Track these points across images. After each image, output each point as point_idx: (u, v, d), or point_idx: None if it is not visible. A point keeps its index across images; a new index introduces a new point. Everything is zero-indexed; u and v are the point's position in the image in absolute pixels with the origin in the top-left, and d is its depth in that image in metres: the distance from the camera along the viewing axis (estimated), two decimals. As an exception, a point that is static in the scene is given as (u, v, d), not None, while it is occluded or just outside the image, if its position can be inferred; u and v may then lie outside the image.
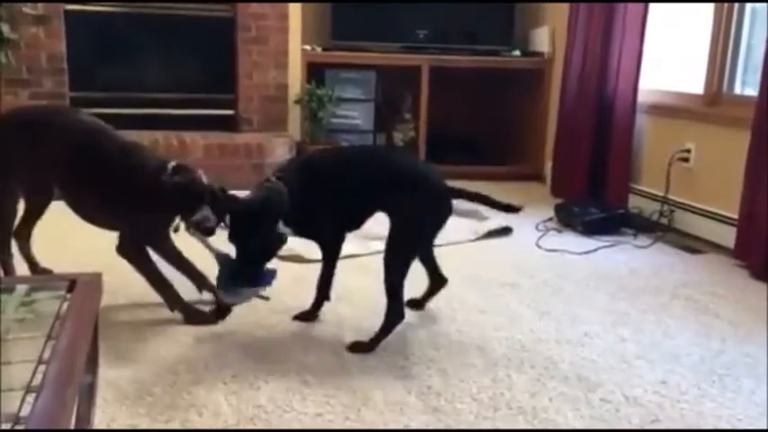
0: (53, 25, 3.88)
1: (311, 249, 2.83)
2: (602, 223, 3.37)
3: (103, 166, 2.15)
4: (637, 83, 3.61)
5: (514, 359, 2.01)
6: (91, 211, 2.24)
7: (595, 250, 3.12)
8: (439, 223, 2.16)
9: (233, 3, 4.14)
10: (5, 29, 3.42)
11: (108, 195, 2.14)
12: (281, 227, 2.07)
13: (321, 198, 2.10)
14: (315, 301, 2.27)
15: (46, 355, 1.01)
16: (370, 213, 2.22)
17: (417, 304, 2.36)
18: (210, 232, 2.03)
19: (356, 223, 2.24)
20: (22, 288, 1.24)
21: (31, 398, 0.92)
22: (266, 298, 2.26)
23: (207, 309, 2.23)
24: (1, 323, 1.10)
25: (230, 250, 2.11)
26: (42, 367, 0.98)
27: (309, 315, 2.25)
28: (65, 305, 1.19)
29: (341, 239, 2.25)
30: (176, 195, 2.04)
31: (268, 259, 2.10)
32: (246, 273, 2.07)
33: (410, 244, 2.10)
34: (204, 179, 2.09)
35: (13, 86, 3.83)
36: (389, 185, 2.09)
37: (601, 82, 3.83)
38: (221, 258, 2.17)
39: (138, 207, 2.11)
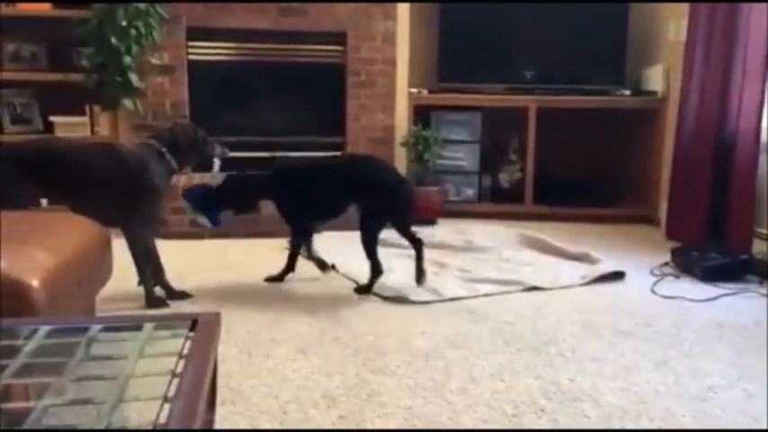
0: (177, 74, 4.13)
1: (418, 292, 2.85)
2: (723, 269, 3.19)
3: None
4: (760, 123, 3.43)
5: (631, 412, 1.91)
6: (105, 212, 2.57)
7: (717, 298, 2.95)
8: (397, 205, 2.86)
9: (345, 49, 4.27)
10: (134, 79, 3.66)
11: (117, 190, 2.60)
12: None
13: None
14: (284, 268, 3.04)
15: (171, 392, 1.05)
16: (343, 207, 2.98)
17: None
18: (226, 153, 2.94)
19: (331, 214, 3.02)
20: (148, 326, 1.30)
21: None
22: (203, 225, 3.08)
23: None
24: (129, 360, 1.16)
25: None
26: (167, 405, 1.02)
27: (279, 278, 3.03)
28: (187, 344, 1.24)
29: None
30: (191, 144, 2.77)
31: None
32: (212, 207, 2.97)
33: (374, 222, 2.85)
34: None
35: (139, 132, 4.09)
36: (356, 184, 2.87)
37: (720, 122, 3.67)
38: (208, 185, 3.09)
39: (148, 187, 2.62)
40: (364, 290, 2.88)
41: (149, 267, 2.68)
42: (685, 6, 3.95)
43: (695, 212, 3.78)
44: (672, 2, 4.26)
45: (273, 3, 4.13)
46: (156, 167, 2.63)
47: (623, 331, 2.53)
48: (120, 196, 2.57)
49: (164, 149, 2.67)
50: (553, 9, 4.55)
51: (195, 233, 3.83)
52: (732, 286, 3.08)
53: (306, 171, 2.98)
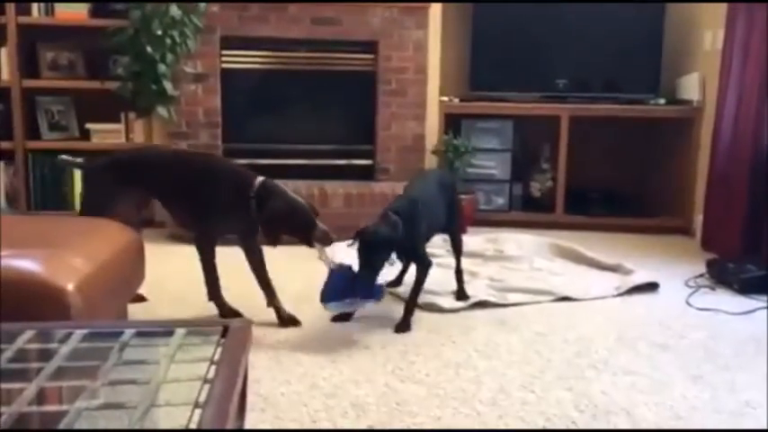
0: (210, 82, 4.18)
1: (449, 300, 2.83)
2: (761, 282, 3.12)
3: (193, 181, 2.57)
4: (799, 131, 3.35)
5: (665, 427, 1.87)
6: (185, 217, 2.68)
7: (754, 311, 2.88)
8: None
9: (377, 58, 4.29)
10: (169, 87, 3.71)
11: (200, 203, 2.54)
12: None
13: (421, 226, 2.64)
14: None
15: (202, 397, 1.05)
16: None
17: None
18: (331, 242, 2.47)
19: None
20: (180, 332, 1.31)
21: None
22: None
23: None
24: (160, 366, 1.17)
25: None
26: (198, 410, 1.02)
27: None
28: (218, 350, 1.24)
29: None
30: (283, 219, 2.45)
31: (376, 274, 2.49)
32: (362, 284, 2.46)
33: None
34: (295, 196, 2.51)
35: (173, 139, 4.14)
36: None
37: (757, 131, 3.60)
38: (335, 269, 2.50)
39: (219, 213, 2.54)
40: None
41: (215, 282, 2.62)
42: (722, 15, 3.88)
43: (732, 223, 3.70)
44: (705, 1, 4.20)
45: (308, 2, 4.14)
46: (235, 193, 2.52)
47: (657, 343, 2.49)
48: (197, 206, 2.56)
49: (252, 194, 2.50)
50: (586, 17, 4.51)
51: (226, 240, 3.85)
52: (770, 299, 3.02)
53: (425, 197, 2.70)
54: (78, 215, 2.64)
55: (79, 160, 2.70)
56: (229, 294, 2.65)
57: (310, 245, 2.48)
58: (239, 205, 2.50)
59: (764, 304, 2.95)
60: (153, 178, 2.60)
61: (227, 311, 2.61)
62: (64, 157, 2.75)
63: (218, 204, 2.53)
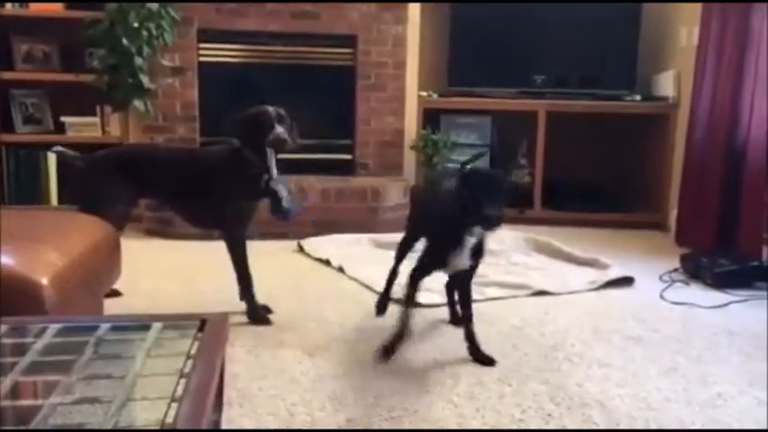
0: (187, 76, 4.15)
1: (426, 295, 2.84)
2: (733, 276, 3.17)
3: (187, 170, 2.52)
4: (771, 129, 3.41)
5: (640, 418, 1.90)
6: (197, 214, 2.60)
7: (727, 305, 2.93)
8: None
9: (356, 52, 4.28)
10: (145, 80, 3.68)
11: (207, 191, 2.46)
12: None
13: None
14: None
15: (178, 392, 1.05)
16: None
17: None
18: (284, 144, 2.43)
19: None
20: (157, 326, 1.30)
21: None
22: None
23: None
24: (137, 360, 1.16)
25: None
26: (174, 404, 1.02)
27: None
28: (195, 344, 1.24)
29: None
30: (249, 125, 2.42)
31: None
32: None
33: None
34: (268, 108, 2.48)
35: (150, 132, 4.11)
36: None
37: (731, 128, 3.65)
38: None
39: (228, 182, 2.45)
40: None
41: (249, 279, 2.56)
42: (697, 12, 3.93)
43: (705, 218, 3.76)
44: (681, 1, 4.25)
45: (285, 3, 4.13)
46: (234, 168, 2.48)
47: (632, 337, 2.52)
48: (206, 199, 2.50)
49: (240, 148, 2.48)
50: (564, 13, 4.54)
51: (204, 234, 3.83)
52: (742, 293, 3.06)
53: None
54: (78, 211, 2.50)
55: (75, 153, 2.64)
56: (199, 289, 2.64)
57: (270, 147, 2.44)
58: (241, 176, 2.45)
59: (736, 298, 3.00)
60: (156, 180, 2.54)
61: (259, 315, 2.55)
62: (59, 148, 2.68)
63: (230, 188, 2.47)
